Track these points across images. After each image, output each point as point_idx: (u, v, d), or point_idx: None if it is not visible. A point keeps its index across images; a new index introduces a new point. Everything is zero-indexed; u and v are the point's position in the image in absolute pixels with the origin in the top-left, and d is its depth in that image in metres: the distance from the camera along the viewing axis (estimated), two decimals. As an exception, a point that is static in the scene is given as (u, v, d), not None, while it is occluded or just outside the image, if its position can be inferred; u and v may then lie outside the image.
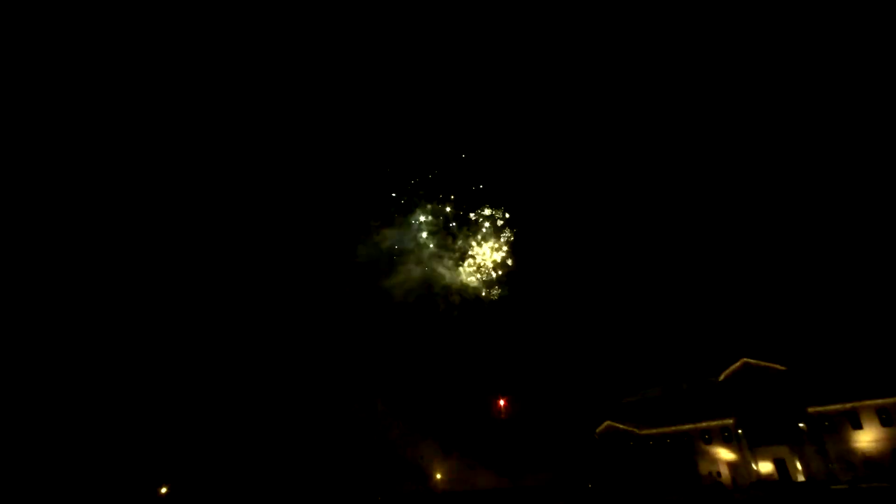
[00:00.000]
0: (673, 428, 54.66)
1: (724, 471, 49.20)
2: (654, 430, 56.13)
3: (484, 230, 71.58)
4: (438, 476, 68.81)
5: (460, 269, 72.00)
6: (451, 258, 72.09)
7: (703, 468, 50.86)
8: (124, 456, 62.40)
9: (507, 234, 71.79)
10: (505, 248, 71.58)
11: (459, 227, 72.40)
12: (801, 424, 44.86)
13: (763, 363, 48.89)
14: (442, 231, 72.34)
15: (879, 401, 41.59)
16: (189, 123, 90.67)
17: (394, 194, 74.13)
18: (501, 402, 72.90)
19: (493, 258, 70.82)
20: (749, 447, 47.84)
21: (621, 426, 58.38)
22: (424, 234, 72.87)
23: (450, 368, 78.92)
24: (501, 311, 75.00)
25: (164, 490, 54.78)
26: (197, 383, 74.47)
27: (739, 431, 48.82)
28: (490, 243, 71.34)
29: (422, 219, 72.12)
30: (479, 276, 71.39)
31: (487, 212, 71.26)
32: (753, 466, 47.09)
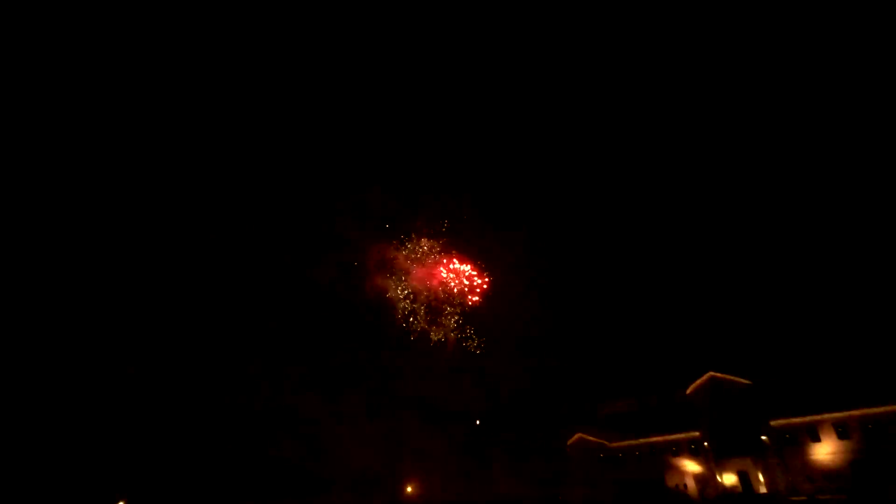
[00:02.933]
0: (642, 440, 55.42)
1: (691, 483, 50.04)
2: (624, 443, 56.78)
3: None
4: (409, 489, 67.90)
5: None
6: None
7: (671, 481, 51.62)
8: (81, 466, 59.70)
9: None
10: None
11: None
12: (763, 437, 46.06)
13: (728, 377, 50.14)
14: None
15: (837, 414, 43.07)
16: (192, 133, 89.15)
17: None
18: None
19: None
20: (715, 459, 48.84)
21: (592, 438, 58.86)
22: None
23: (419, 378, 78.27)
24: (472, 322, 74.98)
25: (121, 504, 52.52)
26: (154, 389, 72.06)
27: (706, 444, 49.83)
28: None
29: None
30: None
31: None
32: (718, 479, 48.04)
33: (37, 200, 73.78)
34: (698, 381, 51.74)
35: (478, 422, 75.66)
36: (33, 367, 65.77)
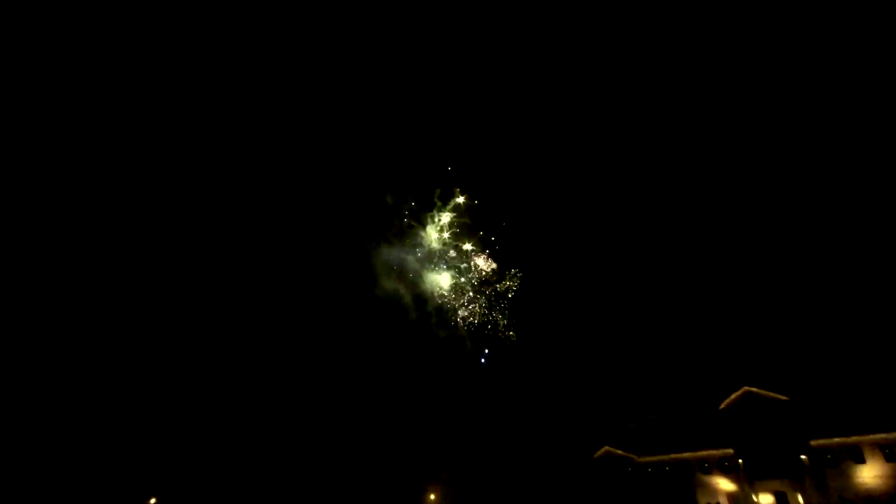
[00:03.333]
0: (672, 456, 53.56)
1: (724, 502, 48.00)
2: (653, 458, 55.02)
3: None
4: (432, 497, 67.64)
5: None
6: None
7: (702, 499, 49.64)
8: (110, 466, 61.93)
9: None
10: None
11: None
12: (802, 457, 43.83)
13: (765, 392, 48.04)
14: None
15: (883, 435, 40.65)
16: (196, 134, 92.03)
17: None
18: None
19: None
20: (748, 479, 46.72)
21: (619, 452, 57.29)
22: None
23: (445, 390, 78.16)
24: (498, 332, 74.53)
25: (152, 502, 54.19)
26: (186, 391, 74.19)
27: (739, 462, 47.76)
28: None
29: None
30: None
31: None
32: (753, 499, 45.93)
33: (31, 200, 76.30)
34: (733, 396, 49.76)
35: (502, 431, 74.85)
36: (60, 368, 68.75)
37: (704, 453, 51.14)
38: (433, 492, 68.21)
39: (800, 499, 43.40)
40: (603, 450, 58.91)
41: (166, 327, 77.06)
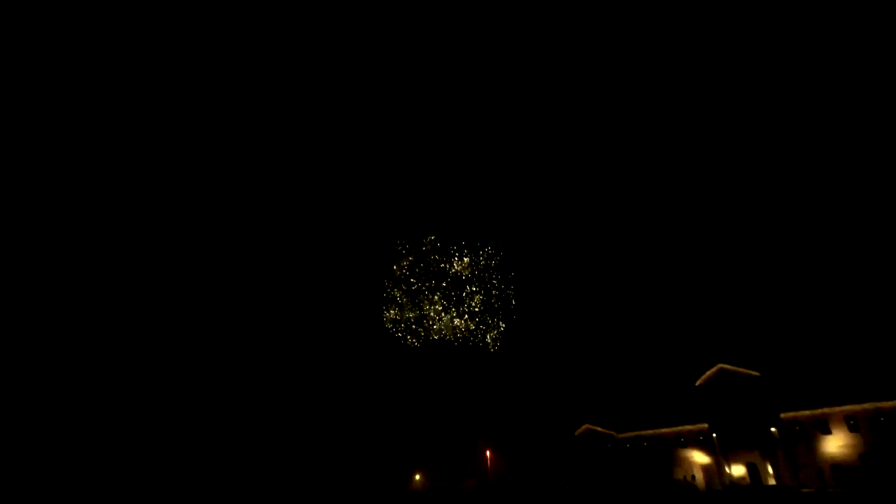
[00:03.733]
0: (650, 432, 55.43)
1: (699, 474, 50.06)
2: (631, 434, 56.86)
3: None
4: (417, 477, 68.63)
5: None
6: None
7: (678, 472, 51.68)
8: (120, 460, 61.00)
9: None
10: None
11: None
12: (773, 430, 45.88)
13: (738, 369, 49.89)
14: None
15: (848, 407, 42.79)
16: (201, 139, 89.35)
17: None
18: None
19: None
20: (722, 452, 48.78)
21: (599, 429, 59.00)
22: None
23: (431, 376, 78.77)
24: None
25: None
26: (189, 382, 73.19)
27: (714, 436, 49.75)
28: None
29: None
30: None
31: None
32: (727, 470, 48.00)
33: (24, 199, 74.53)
34: (708, 374, 51.55)
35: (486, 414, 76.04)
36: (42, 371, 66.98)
37: (681, 429, 53.09)
38: (418, 472, 69.18)
39: (770, 469, 45.57)
40: (584, 427, 60.57)
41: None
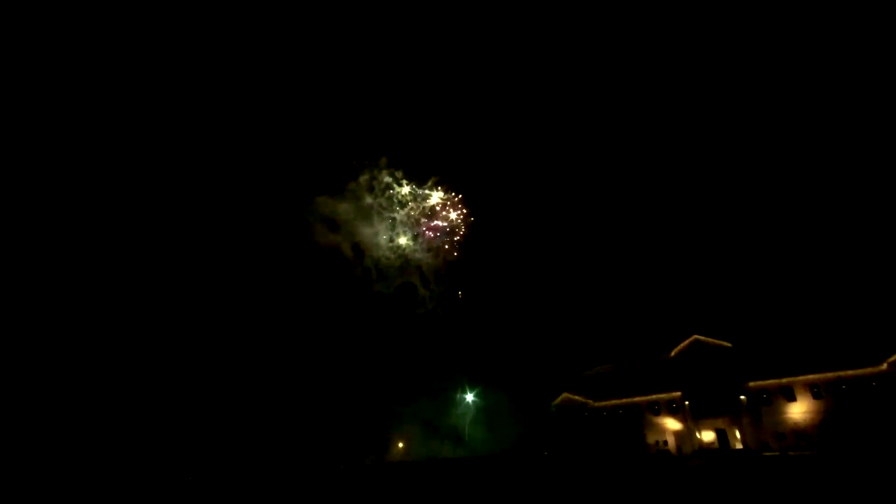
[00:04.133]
0: (625, 400, 57.48)
1: (671, 440, 52.40)
2: (607, 403, 58.88)
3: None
4: (401, 445, 70.20)
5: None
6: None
7: (651, 438, 53.97)
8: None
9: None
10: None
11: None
12: (741, 398, 48.10)
13: (711, 340, 51.82)
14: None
15: (811, 376, 45.06)
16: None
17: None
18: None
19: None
20: (693, 418, 51.04)
21: (577, 398, 60.88)
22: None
23: (406, 342, 79.69)
24: (459, 287, 76.52)
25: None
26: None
27: (686, 403, 51.93)
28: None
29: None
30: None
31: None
32: (697, 436, 50.34)
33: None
34: (682, 344, 53.39)
35: (466, 384, 77.71)
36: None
37: (654, 397, 55.17)
38: (401, 440, 70.73)
39: (737, 434, 47.98)
40: (562, 397, 62.39)
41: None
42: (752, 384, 48.07)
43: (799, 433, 44.32)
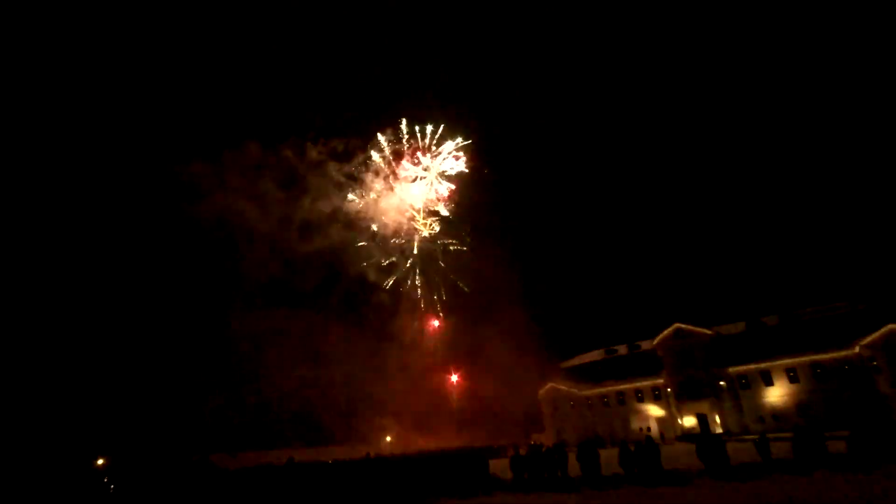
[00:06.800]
0: (609, 388, 58.51)
1: (654, 426, 53.56)
2: (592, 391, 59.86)
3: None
4: (388, 439, 70.42)
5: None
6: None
7: (635, 424, 55.10)
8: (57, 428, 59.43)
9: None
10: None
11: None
12: (721, 383, 49.31)
13: (693, 328, 52.92)
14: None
15: (788, 360, 46.37)
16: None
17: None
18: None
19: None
20: (676, 404, 52.20)
21: (562, 387, 61.76)
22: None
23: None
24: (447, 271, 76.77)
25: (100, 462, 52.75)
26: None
27: (668, 390, 53.06)
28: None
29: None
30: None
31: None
32: (679, 421, 51.54)
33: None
34: (664, 332, 54.40)
35: (455, 375, 78.16)
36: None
37: (637, 384, 56.27)
38: (389, 434, 70.98)
39: (717, 418, 49.23)
40: (548, 386, 63.24)
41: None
42: (731, 369, 49.30)
43: (777, 416, 45.68)
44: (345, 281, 79.86)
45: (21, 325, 65.96)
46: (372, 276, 73.65)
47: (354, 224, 72.06)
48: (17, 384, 61.66)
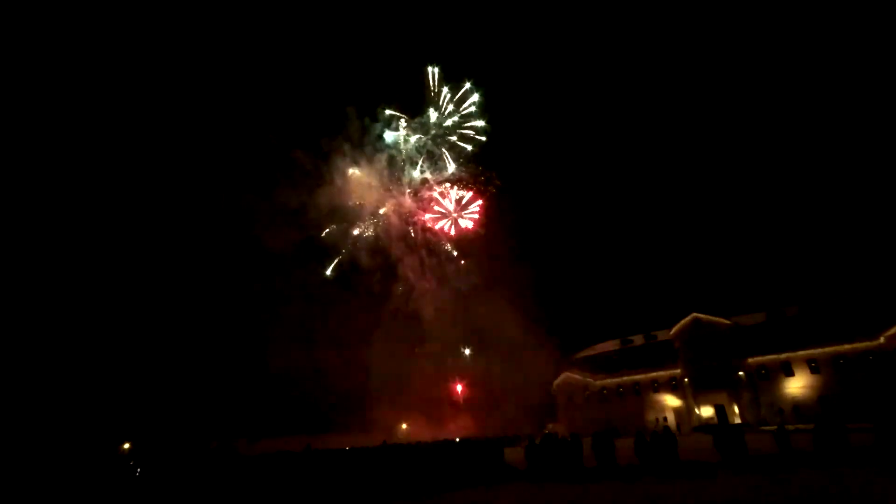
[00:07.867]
0: (625, 378, 58.19)
1: (670, 416, 53.19)
2: (607, 381, 59.62)
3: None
4: (404, 426, 71.15)
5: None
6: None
7: (651, 414, 54.79)
8: (83, 410, 61.27)
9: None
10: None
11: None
12: (740, 374, 48.67)
13: (711, 318, 52.20)
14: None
15: (809, 351, 45.51)
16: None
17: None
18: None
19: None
20: (693, 394, 51.73)
21: (577, 377, 61.64)
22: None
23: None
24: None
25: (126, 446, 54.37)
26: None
27: (686, 380, 52.56)
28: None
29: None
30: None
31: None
32: (696, 412, 51.10)
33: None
34: (682, 322, 53.78)
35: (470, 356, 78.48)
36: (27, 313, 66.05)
37: (654, 374, 55.83)
38: (405, 421, 71.69)
39: (736, 409, 48.67)
40: (562, 376, 63.18)
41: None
42: (750, 360, 48.60)
43: (797, 407, 44.98)
44: (362, 268, 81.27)
45: (52, 320, 68.13)
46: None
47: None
48: (48, 374, 63.76)
